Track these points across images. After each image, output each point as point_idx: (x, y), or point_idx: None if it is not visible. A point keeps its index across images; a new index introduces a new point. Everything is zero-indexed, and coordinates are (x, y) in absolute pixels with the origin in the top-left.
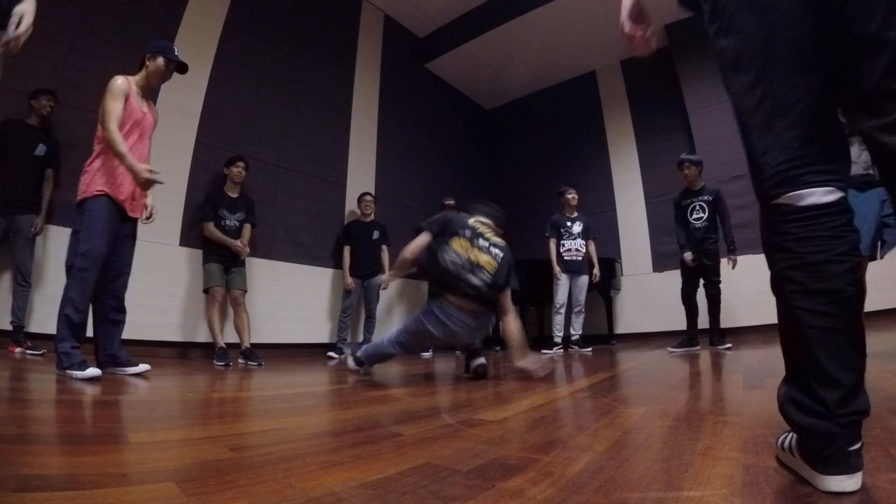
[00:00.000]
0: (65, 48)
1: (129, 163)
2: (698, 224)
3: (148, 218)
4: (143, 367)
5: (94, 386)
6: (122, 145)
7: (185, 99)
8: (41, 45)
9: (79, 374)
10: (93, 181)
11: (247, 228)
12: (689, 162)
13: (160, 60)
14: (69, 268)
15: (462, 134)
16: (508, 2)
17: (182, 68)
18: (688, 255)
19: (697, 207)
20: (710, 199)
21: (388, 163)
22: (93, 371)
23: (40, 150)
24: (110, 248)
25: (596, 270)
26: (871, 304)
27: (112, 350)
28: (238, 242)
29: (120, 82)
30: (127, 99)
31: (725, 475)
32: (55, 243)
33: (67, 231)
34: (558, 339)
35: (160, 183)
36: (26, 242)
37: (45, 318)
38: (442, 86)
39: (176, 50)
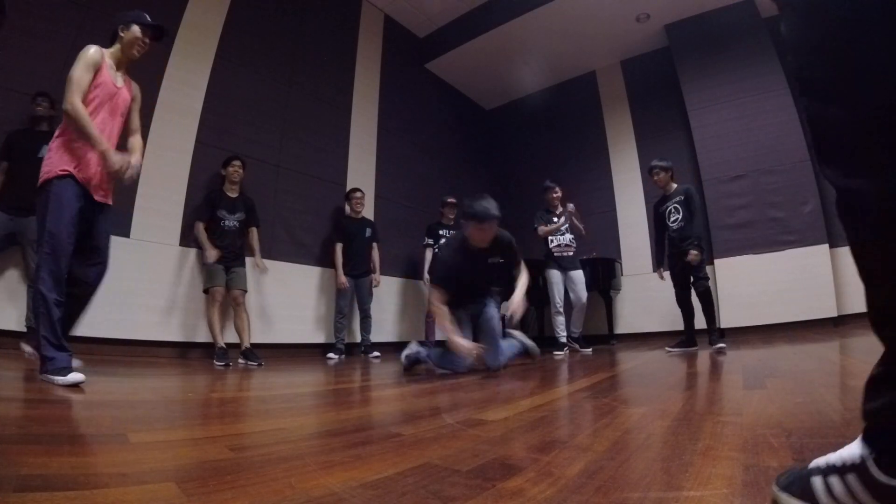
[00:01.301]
0: (65, 48)
1: (102, 147)
2: (675, 226)
3: (124, 174)
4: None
5: (94, 386)
6: (90, 123)
7: (185, 99)
8: (41, 46)
9: (60, 379)
10: (57, 160)
11: (253, 233)
12: (658, 168)
13: (135, 28)
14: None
15: (462, 134)
16: (508, 2)
17: (158, 32)
18: (658, 273)
19: (672, 210)
20: (682, 198)
21: (388, 163)
22: (76, 376)
23: (43, 151)
24: (78, 233)
25: (571, 207)
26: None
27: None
28: (259, 257)
29: (93, 51)
30: (99, 70)
31: (725, 475)
32: None
33: None
34: (563, 340)
35: (130, 178)
36: (34, 244)
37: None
38: (442, 86)
39: (148, 17)
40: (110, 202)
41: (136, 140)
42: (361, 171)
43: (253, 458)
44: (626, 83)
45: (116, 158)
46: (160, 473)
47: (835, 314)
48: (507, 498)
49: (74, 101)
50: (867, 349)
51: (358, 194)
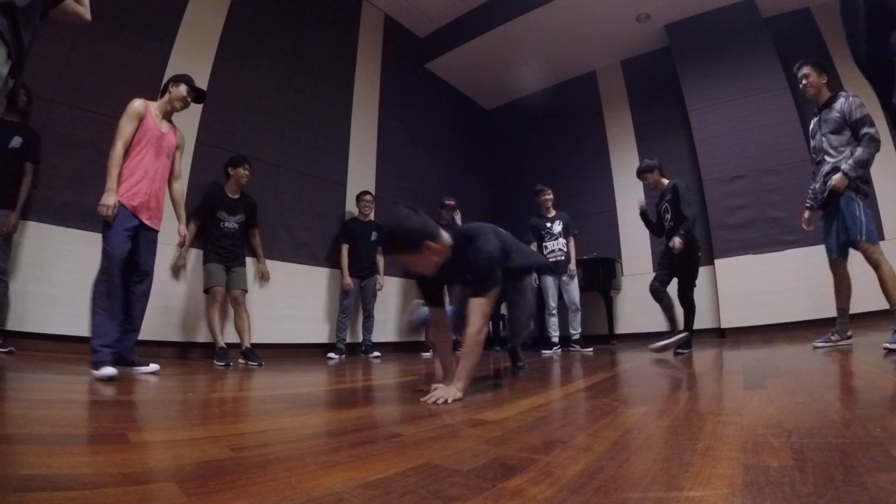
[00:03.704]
0: (65, 48)
1: (109, 184)
2: (668, 225)
3: (181, 245)
4: (153, 366)
5: (94, 386)
6: (114, 166)
7: None
8: (41, 45)
9: (94, 372)
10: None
11: (255, 236)
12: (645, 170)
13: (182, 87)
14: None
15: (462, 134)
16: (508, 2)
17: (201, 97)
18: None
19: (665, 209)
20: (671, 196)
21: (388, 163)
22: (107, 371)
23: (15, 142)
24: (129, 248)
25: (572, 266)
26: (868, 305)
27: (123, 352)
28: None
29: (137, 105)
30: (143, 119)
31: (725, 475)
32: (32, 240)
33: (46, 227)
34: (555, 340)
35: (108, 218)
36: (3, 239)
37: (21, 315)
38: (442, 86)
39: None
40: (154, 227)
41: (179, 188)
42: (361, 171)
43: (253, 458)
44: (626, 83)
45: (110, 201)
46: (160, 473)
47: (835, 314)
48: (507, 498)
49: (117, 147)
50: (868, 349)
51: (367, 197)
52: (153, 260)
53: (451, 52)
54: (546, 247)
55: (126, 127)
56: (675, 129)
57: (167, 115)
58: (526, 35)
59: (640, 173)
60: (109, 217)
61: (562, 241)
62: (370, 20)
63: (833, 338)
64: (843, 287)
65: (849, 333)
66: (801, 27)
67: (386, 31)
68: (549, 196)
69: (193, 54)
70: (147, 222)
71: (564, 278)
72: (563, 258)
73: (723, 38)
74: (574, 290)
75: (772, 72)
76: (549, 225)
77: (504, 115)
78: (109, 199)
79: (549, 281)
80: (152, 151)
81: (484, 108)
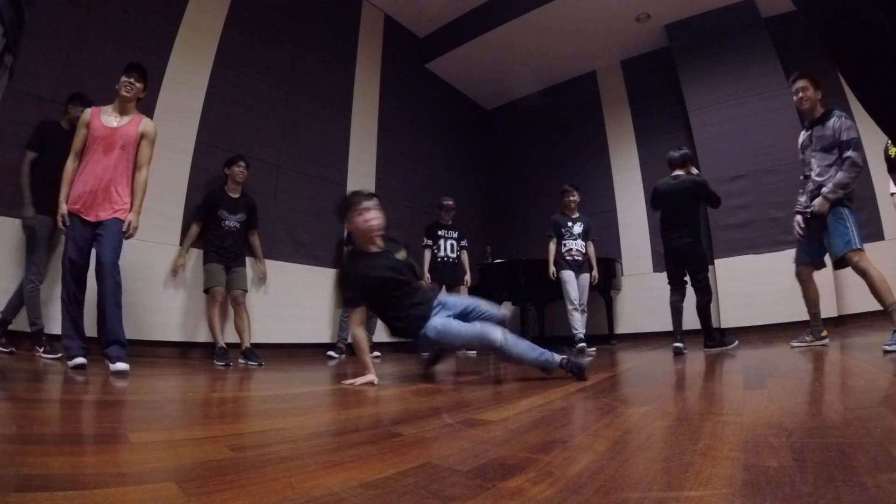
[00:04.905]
0: (65, 48)
1: (61, 195)
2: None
3: (126, 234)
4: (120, 365)
5: (95, 386)
6: (65, 178)
7: (185, 99)
8: (42, 45)
9: (68, 363)
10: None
11: (254, 237)
12: (683, 160)
13: (122, 79)
14: None
15: (462, 134)
16: (508, 2)
17: (139, 70)
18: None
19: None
20: (694, 191)
21: (388, 163)
22: (77, 360)
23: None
24: (78, 251)
25: (595, 272)
26: (867, 305)
27: (104, 348)
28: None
29: (83, 115)
30: (89, 123)
31: (725, 475)
32: None
33: None
34: (581, 336)
35: (61, 227)
36: (45, 243)
37: (22, 316)
38: (442, 86)
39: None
40: (99, 219)
41: (139, 178)
42: (361, 172)
43: (253, 458)
44: (626, 83)
45: (62, 211)
46: (160, 473)
47: (835, 314)
48: (507, 498)
49: (68, 161)
50: (867, 349)
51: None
52: (111, 251)
53: (450, 52)
54: (565, 244)
55: (76, 139)
56: (675, 129)
57: (125, 108)
58: (526, 35)
59: (680, 163)
60: (65, 223)
61: (581, 242)
62: (370, 20)
63: (808, 338)
64: (811, 294)
65: (823, 334)
66: (801, 27)
67: (386, 31)
68: (574, 197)
69: (193, 55)
70: (88, 217)
71: (579, 277)
72: (580, 258)
73: (723, 38)
74: (585, 291)
75: (772, 72)
76: (570, 224)
77: (504, 115)
78: (61, 209)
79: (570, 275)
80: (100, 149)
81: (484, 108)
